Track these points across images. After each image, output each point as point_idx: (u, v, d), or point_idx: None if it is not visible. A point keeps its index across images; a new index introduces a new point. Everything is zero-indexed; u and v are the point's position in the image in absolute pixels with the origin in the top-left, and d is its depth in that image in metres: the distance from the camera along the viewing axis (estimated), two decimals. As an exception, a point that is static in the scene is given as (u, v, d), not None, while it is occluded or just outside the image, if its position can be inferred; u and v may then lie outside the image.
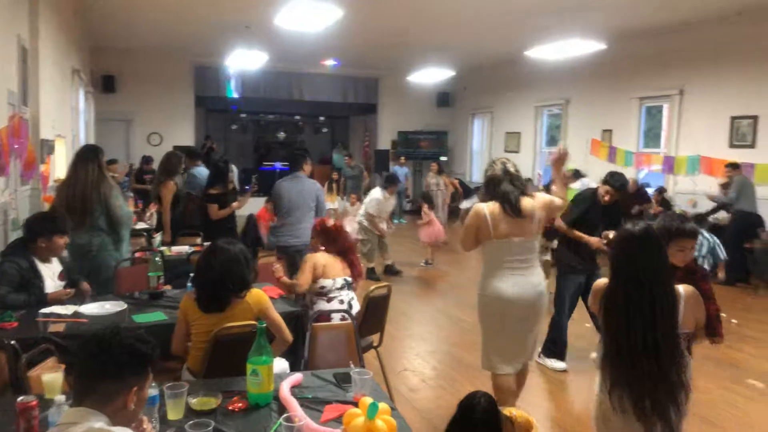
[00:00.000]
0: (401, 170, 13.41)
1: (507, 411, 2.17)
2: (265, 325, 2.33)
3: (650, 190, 9.43)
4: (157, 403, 2.00)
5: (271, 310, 2.83)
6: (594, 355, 2.38)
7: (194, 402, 2.13)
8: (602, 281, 2.34)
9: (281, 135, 18.78)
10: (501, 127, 13.80)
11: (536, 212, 3.15)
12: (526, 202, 3.14)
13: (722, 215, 7.91)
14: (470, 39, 10.33)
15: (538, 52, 9.15)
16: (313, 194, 5.07)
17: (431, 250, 8.57)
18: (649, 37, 9.41)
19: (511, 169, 3.22)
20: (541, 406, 3.96)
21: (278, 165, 16.36)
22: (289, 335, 2.89)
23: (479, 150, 14.82)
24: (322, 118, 18.48)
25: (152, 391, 1.93)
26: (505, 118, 13.61)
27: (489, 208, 3.14)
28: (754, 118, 8.17)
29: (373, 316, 3.75)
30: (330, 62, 13.37)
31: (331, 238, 3.84)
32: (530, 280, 3.16)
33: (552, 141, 12.58)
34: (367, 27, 9.54)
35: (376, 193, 7.69)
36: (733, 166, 7.73)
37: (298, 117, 18.29)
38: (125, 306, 3.28)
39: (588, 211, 4.35)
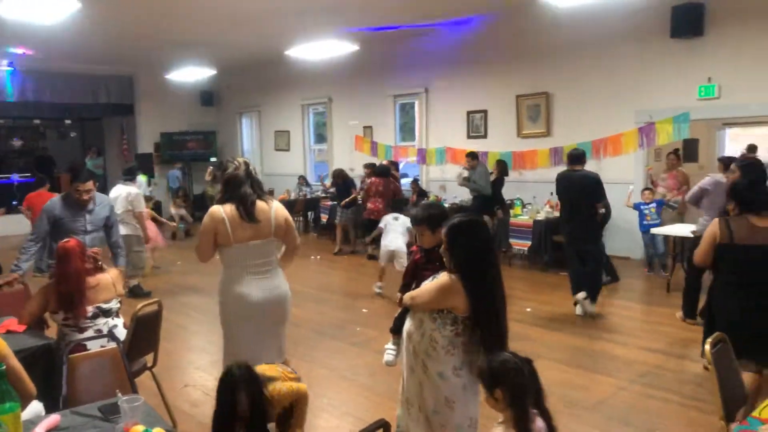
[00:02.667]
0: (173, 173, 13.00)
1: (270, 387, 2.28)
2: (4, 367, 2.02)
3: (407, 180, 10.35)
4: None
5: (10, 359, 2.35)
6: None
7: None
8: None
9: (17, 142, 16.28)
10: (270, 125, 13.84)
11: (272, 216, 3.15)
12: (260, 206, 3.13)
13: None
14: (227, 36, 10.06)
15: (299, 51, 9.40)
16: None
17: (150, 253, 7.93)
18: (397, 40, 10.28)
19: (253, 172, 3.20)
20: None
21: (15, 177, 14.17)
22: (31, 387, 2.40)
23: (250, 149, 14.67)
24: (68, 122, 16.44)
25: None
26: (273, 117, 13.69)
27: (225, 210, 3.05)
28: (485, 112, 9.51)
29: (143, 337, 3.50)
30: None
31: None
32: (273, 283, 3.20)
33: (320, 138, 13.02)
34: (110, 20, 8.71)
35: (126, 188, 6.73)
36: (473, 156, 8.84)
37: (38, 121, 15.99)
38: None
39: None
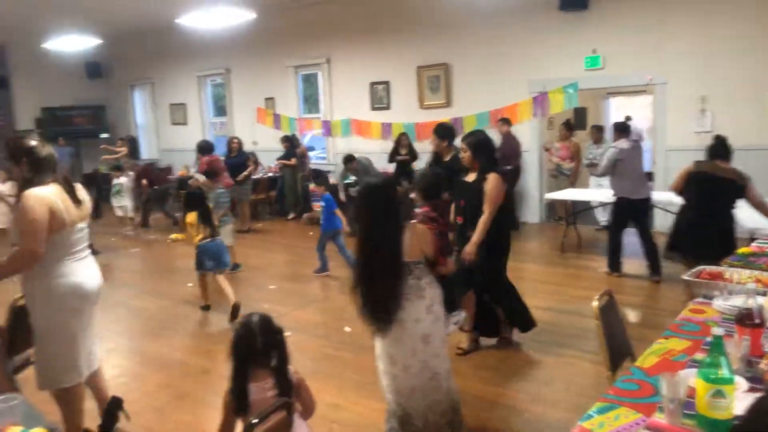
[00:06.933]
0: (63, 150, 11.71)
1: None
2: None
3: (314, 154, 10.21)
4: None
5: None
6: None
7: None
8: None
9: None
10: (164, 98, 13.12)
11: (85, 195, 2.98)
12: (78, 187, 2.94)
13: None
14: (108, 1, 9.29)
15: (192, 19, 8.91)
16: None
17: None
18: (297, 9, 9.99)
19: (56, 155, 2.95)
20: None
21: None
22: None
23: (144, 124, 13.87)
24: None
25: None
26: (169, 89, 12.97)
27: (53, 192, 2.75)
28: (387, 83, 9.52)
29: (27, 328, 3.22)
30: None
31: None
32: (95, 267, 3.03)
33: (221, 111, 12.52)
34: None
35: None
36: (350, 159, 8.70)
37: None
38: None
39: None
